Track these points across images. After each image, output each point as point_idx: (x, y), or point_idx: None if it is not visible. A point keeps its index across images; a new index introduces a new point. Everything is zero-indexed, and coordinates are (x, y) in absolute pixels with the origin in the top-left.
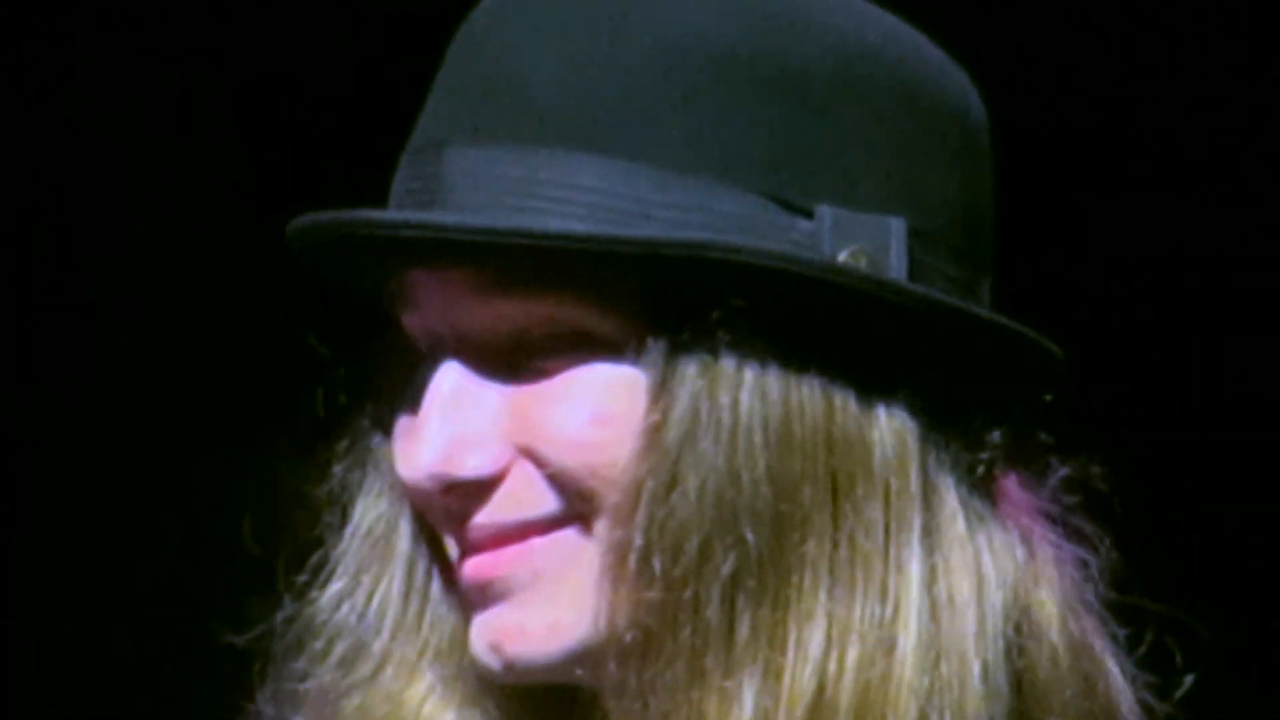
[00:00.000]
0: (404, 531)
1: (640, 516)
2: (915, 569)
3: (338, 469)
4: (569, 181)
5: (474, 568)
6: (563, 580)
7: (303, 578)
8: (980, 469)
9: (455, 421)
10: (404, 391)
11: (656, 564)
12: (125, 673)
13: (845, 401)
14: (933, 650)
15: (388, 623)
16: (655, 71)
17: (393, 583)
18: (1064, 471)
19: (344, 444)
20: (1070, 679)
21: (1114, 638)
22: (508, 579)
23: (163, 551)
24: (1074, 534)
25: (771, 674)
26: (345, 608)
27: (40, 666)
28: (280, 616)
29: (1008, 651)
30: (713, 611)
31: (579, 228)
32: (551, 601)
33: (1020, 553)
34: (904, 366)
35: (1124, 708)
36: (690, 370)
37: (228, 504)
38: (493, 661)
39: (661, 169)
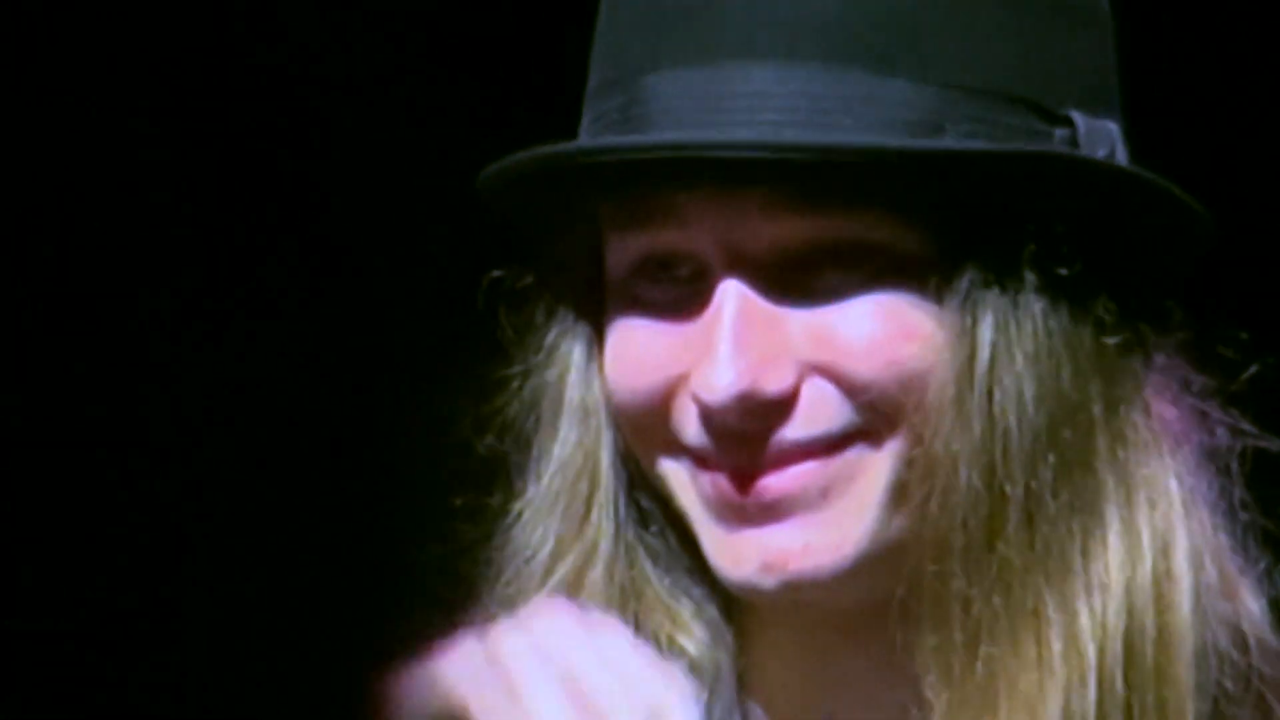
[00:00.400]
0: (605, 463)
1: (960, 425)
2: (1174, 486)
3: (526, 393)
4: (869, 98)
5: (759, 487)
6: (847, 496)
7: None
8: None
9: (751, 342)
10: (602, 316)
11: (981, 472)
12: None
13: (1112, 319)
14: (1198, 564)
15: (589, 564)
16: None
17: (594, 520)
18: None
19: (521, 372)
20: (1220, 604)
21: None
22: (796, 497)
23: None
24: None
25: (1092, 588)
26: (547, 544)
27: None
28: (490, 547)
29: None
30: (1044, 515)
31: (891, 142)
32: (836, 519)
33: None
34: (1143, 277)
35: (1269, 637)
36: (996, 289)
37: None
38: (765, 580)
39: (945, 87)
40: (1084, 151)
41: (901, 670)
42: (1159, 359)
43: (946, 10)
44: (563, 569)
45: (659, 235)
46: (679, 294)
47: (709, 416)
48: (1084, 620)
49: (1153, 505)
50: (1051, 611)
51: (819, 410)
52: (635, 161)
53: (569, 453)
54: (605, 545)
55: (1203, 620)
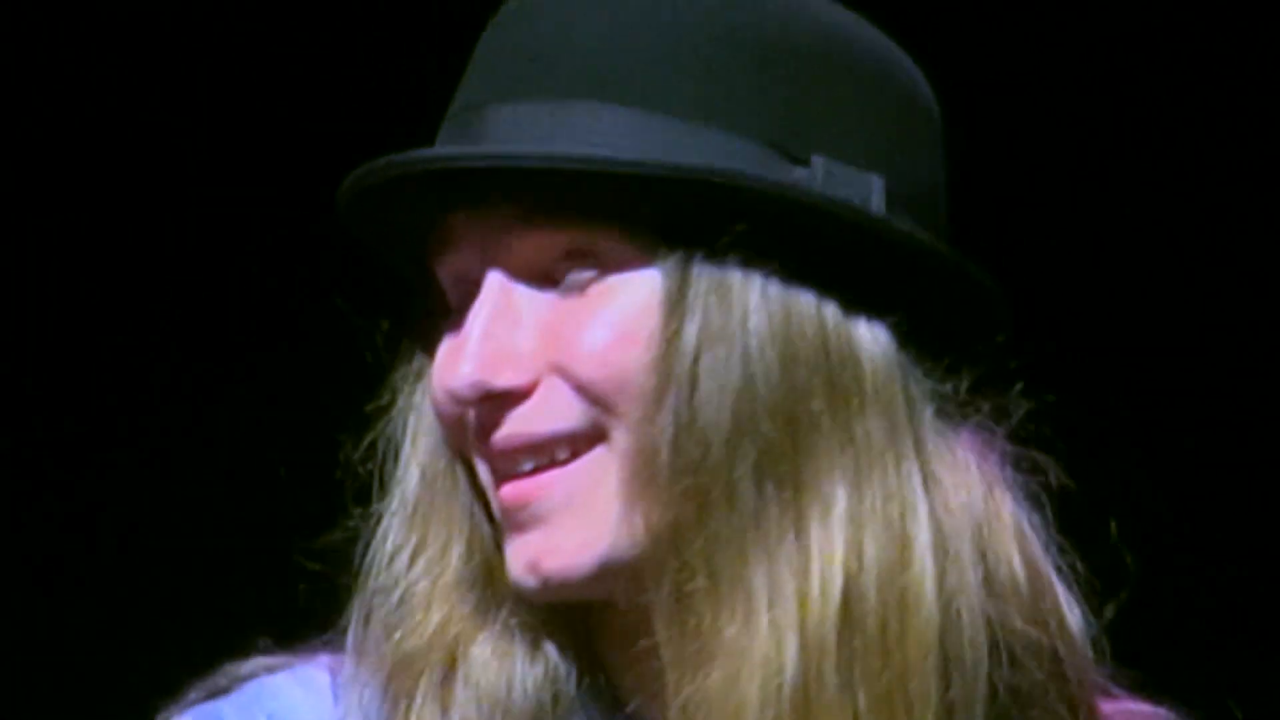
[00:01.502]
0: (447, 478)
1: (666, 419)
2: (915, 474)
3: (384, 424)
4: (597, 126)
5: (511, 492)
6: (591, 498)
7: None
8: (947, 400)
9: (493, 337)
10: (435, 340)
11: (684, 462)
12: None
13: (838, 320)
14: (943, 549)
15: (433, 565)
16: (673, 38)
17: (441, 529)
18: (1020, 409)
19: (385, 399)
20: (1028, 606)
21: (1059, 569)
22: (542, 502)
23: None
24: (1025, 467)
25: (801, 560)
26: (409, 545)
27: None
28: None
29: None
30: (745, 498)
31: (606, 153)
32: (582, 520)
33: (980, 485)
34: (885, 296)
35: (1076, 639)
36: (702, 286)
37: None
38: (529, 580)
39: (679, 118)
40: (819, 187)
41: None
42: (941, 375)
43: (692, 59)
44: (419, 561)
45: (451, 259)
46: (469, 310)
47: (450, 407)
48: (787, 586)
49: (890, 497)
50: (755, 579)
51: (553, 406)
52: (419, 183)
53: (425, 464)
54: (456, 542)
55: (953, 609)
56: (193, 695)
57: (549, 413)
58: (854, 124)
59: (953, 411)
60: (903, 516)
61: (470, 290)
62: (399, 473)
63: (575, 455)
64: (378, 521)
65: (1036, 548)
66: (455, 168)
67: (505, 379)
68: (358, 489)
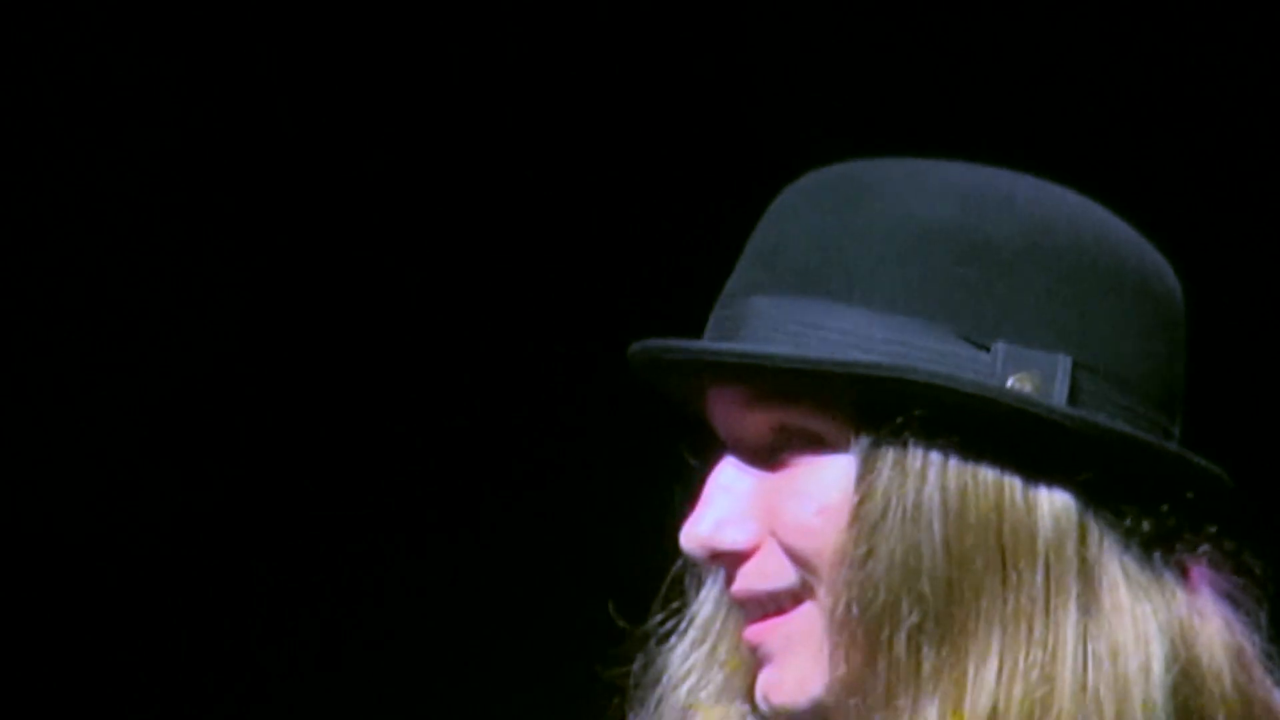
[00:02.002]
0: (725, 612)
1: (851, 583)
2: (1070, 625)
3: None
4: (808, 321)
5: (749, 633)
6: (805, 644)
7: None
8: (1150, 551)
9: (721, 504)
10: None
11: (862, 620)
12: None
13: (1012, 493)
14: (1094, 688)
15: (708, 678)
16: (878, 241)
17: (711, 647)
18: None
19: None
20: (1234, 709)
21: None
22: (770, 644)
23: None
24: (1239, 598)
25: (950, 702)
26: (686, 665)
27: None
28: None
29: (1175, 687)
30: (899, 651)
31: (813, 353)
32: (799, 662)
33: (1186, 610)
34: (1066, 469)
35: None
36: (885, 465)
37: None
38: (764, 707)
39: (880, 312)
40: (999, 371)
41: None
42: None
43: (895, 260)
44: (689, 689)
45: (710, 422)
46: None
47: (686, 556)
48: None
49: (1039, 647)
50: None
51: (768, 568)
52: (665, 362)
53: (709, 601)
54: (719, 671)
55: None
56: None
57: (767, 572)
58: (1040, 308)
59: (1161, 552)
60: (1050, 662)
61: (723, 447)
62: (696, 600)
63: (795, 604)
64: (659, 647)
65: (1248, 649)
66: (690, 360)
67: (728, 542)
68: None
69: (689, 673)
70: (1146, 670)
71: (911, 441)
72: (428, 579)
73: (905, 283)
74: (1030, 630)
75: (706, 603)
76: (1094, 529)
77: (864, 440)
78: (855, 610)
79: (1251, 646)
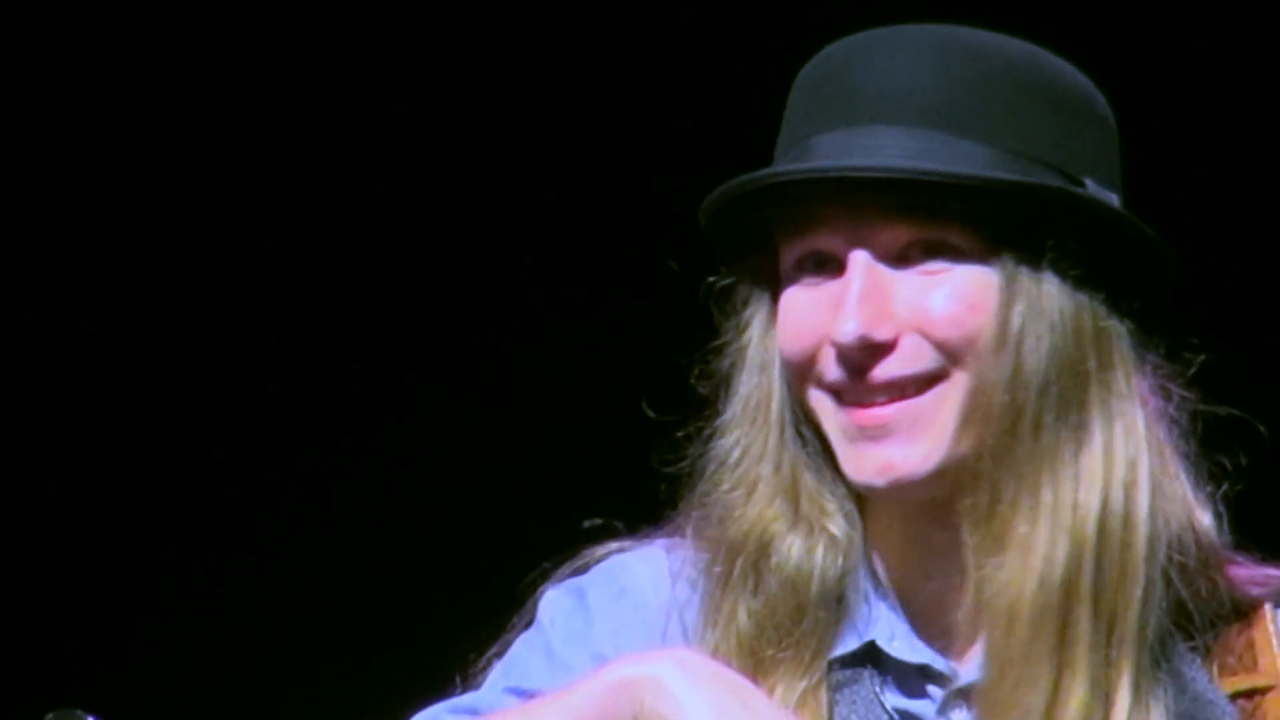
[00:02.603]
0: (776, 399)
1: (1002, 368)
2: (1140, 415)
3: (725, 355)
4: (948, 151)
5: (869, 417)
6: (933, 422)
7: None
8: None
9: (869, 304)
10: (770, 299)
11: (1011, 396)
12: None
13: (1105, 309)
14: (1153, 465)
15: (748, 475)
16: (998, 90)
17: (768, 437)
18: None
19: (724, 339)
20: (1183, 513)
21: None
22: (897, 423)
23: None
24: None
25: (1075, 477)
26: (735, 452)
27: None
28: (691, 454)
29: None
30: (1047, 428)
31: (962, 170)
32: (925, 438)
33: (1153, 414)
34: (1131, 287)
35: (1207, 524)
36: (1026, 279)
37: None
38: (880, 480)
39: (1004, 151)
40: (1098, 198)
41: (958, 532)
42: (1138, 346)
43: (1005, 103)
44: (743, 466)
45: (813, 240)
46: (824, 279)
47: (841, 354)
48: (1067, 498)
49: (1128, 434)
50: (1045, 490)
51: (912, 355)
52: (800, 181)
53: (750, 392)
54: (773, 453)
55: (1155, 514)
56: (562, 572)
57: (910, 359)
58: (1098, 151)
59: (1142, 364)
60: (1134, 447)
61: (827, 264)
62: (729, 400)
63: (920, 391)
64: (708, 438)
65: (1183, 469)
66: (868, 176)
67: (881, 333)
68: (698, 407)
69: (724, 466)
70: (1151, 450)
71: (1048, 258)
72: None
73: (1020, 128)
74: (1121, 421)
75: (749, 402)
76: (1136, 341)
77: (1007, 257)
78: (1007, 391)
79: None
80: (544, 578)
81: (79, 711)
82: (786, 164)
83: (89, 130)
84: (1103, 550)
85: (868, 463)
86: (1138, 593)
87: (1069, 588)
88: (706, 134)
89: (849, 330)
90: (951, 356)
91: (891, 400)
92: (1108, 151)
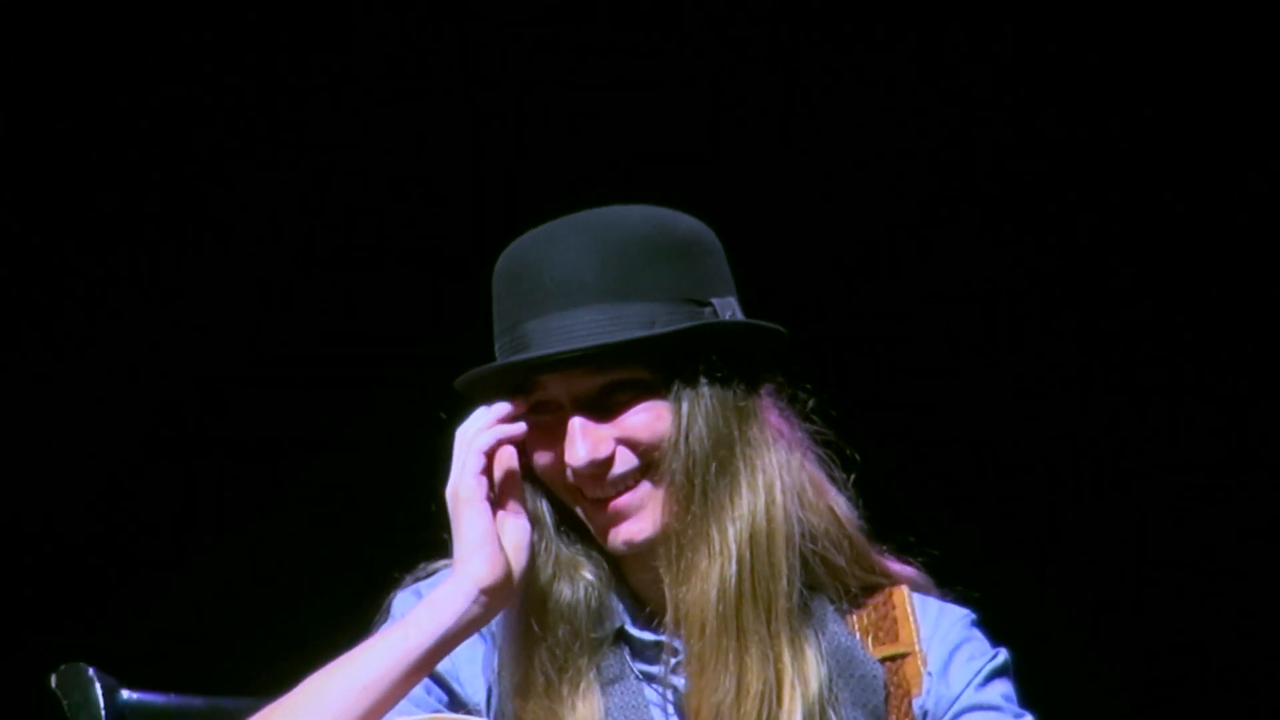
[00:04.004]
0: (545, 508)
1: (681, 456)
2: (769, 454)
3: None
4: (616, 317)
5: (612, 505)
6: (648, 504)
7: None
8: (771, 399)
9: (588, 435)
10: (535, 437)
11: (680, 476)
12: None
13: (745, 388)
14: (786, 491)
15: (549, 553)
16: (630, 261)
17: (545, 530)
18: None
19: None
20: (823, 510)
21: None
22: (628, 507)
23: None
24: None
25: (732, 512)
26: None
27: None
28: None
29: (798, 492)
30: (705, 490)
31: (634, 334)
32: (646, 515)
33: (796, 446)
34: (754, 356)
35: (853, 528)
36: (688, 389)
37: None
38: (624, 548)
39: (650, 301)
40: (723, 314)
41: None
42: (776, 403)
43: (644, 266)
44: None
45: (539, 394)
46: (554, 420)
47: (576, 471)
48: (730, 533)
49: (764, 471)
50: (714, 533)
51: (623, 461)
52: (525, 366)
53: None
54: (544, 542)
55: (789, 519)
56: (406, 579)
57: (623, 464)
58: (714, 273)
59: (790, 418)
60: (772, 485)
61: (549, 406)
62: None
63: (636, 484)
64: None
65: (823, 477)
66: (568, 356)
67: (600, 453)
68: None
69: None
70: (788, 475)
71: (699, 368)
72: None
73: (655, 279)
74: (758, 462)
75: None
76: (763, 394)
77: (667, 375)
78: (680, 473)
79: (819, 470)
80: (393, 584)
81: (83, 665)
82: (511, 354)
83: (89, 130)
84: (755, 561)
85: (615, 538)
86: (783, 582)
87: (739, 596)
88: None
89: (579, 456)
90: (647, 457)
91: (619, 494)
92: (719, 268)
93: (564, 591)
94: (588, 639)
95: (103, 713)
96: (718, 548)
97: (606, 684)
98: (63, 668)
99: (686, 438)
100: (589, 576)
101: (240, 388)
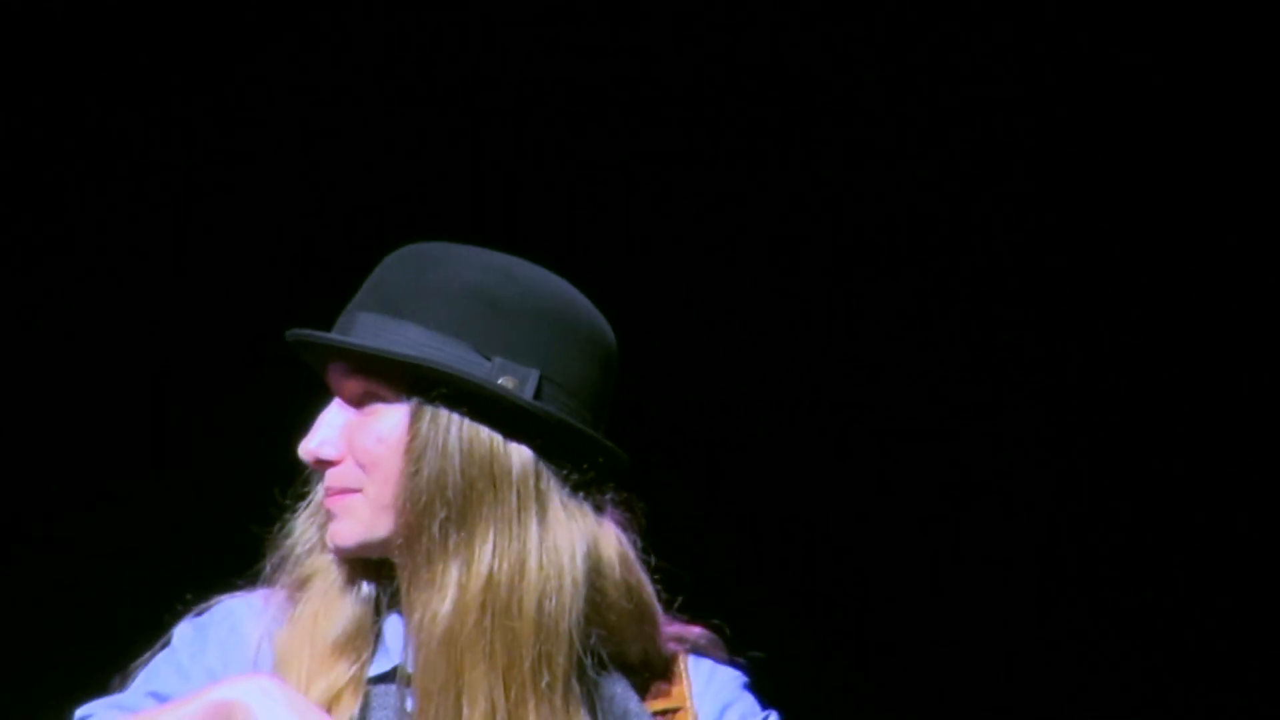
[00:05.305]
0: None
1: (401, 485)
2: (533, 528)
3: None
4: (387, 330)
5: (329, 501)
6: (358, 514)
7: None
8: (576, 491)
9: (323, 430)
10: None
11: (407, 507)
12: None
13: (498, 446)
14: (546, 567)
15: (307, 542)
16: (436, 290)
17: (314, 515)
18: (621, 497)
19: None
20: (621, 588)
21: (644, 563)
22: (336, 509)
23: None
24: (628, 525)
25: (465, 564)
26: (299, 524)
27: None
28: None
29: (588, 573)
30: (435, 532)
31: (386, 347)
32: (349, 521)
33: (597, 528)
34: (527, 434)
35: (652, 603)
36: (425, 419)
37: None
38: (331, 546)
39: (431, 330)
40: (494, 373)
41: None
42: (551, 473)
43: (445, 299)
44: (308, 533)
45: (326, 377)
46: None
47: (305, 459)
48: (456, 578)
49: (515, 539)
50: (438, 573)
51: (346, 472)
52: (290, 340)
53: (316, 490)
54: (318, 526)
55: (546, 596)
56: (192, 610)
57: (343, 474)
58: (526, 338)
59: (583, 495)
60: (523, 548)
61: (333, 396)
62: (312, 489)
63: (355, 491)
64: (293, 515)
65: (630, 554)
66: (317, 344)
67: (323, 454)
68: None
69: (303, 530)
70: (574, 558)
71: (441, 406)
72: None
73: (449, 316)
74: (510, 529)
75: (317, 491)
76: (545, 474)
77: (413, 402)
78: (406, 504)
79: (631, 550)
80: (181, 611)
81: None
82: (304, 330)
83: (88, 130)
84: (485, 619)
85: (327, 534)
86: (529, 654)
87: (452, 642)
88: None
89: (305, 446)
90: (370, 472)
91: (336, 494)
92: (533, 339)
93: (335, 583)
94: (354, 642)
95: None
96: (437, 586)
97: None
98: None
99: (415, 473)
100: (368, 579)
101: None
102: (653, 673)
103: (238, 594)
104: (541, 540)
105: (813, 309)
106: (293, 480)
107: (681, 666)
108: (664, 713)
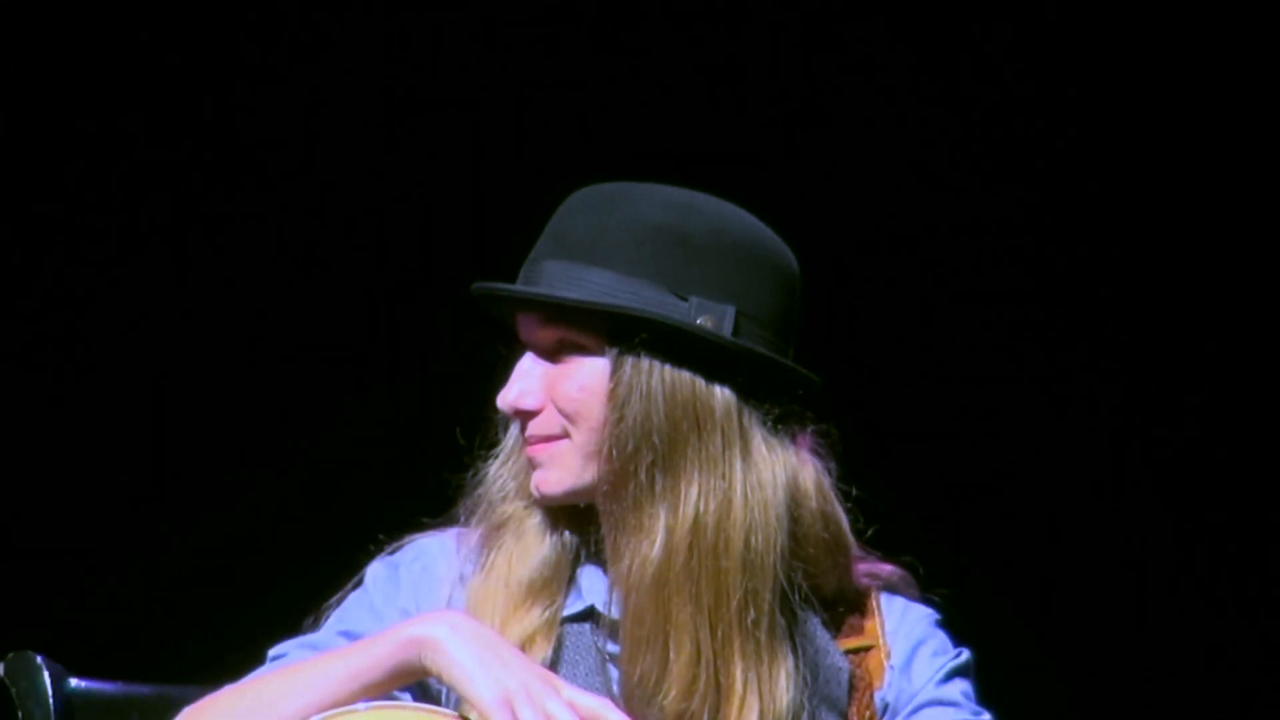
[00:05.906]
0: (514, 433)
1: (605, 433)
2: (737, 466)
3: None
4: (583, 278)
5: (532, 450)
6: (562, 460)
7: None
8: (777, 425)
9: (522, 380)
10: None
11: (613, 454)
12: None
13: (699, 387)
14: (751, 504)
15: (506, 485)
16: (624, 232)
17: (516, 459)
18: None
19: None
20: (818, 518)
21: (844, 505)
22: (540, 458)
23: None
24: (824, 452)
25: (672, 507)
26: (495, 467)
27: None
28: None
29: (789, 506)
30: (641, 477)
31: (585, 296)
32: (556, 470)
33: (795, 459)
34: (728, 371)
35: (846, 533)
36: (628, 366)
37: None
38: (536, 495)
39: (623, 275)
40: (692, 314)
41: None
42: (752, 411)
43: (634, 240)
44: (503, 479)
45: (518, 330)
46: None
47: (505, 411)
48: (664, 521)
49: (723, 478)
50: (646, 517)
51: (548, 420)
52: (484, 294)
53: (511, 437)
54: (520, 470)
55: (752, 536)
56: (385, 549)
57: (546, 424)
58: (717, 276)
59: (782, 427)
60: (728, 487)
61: (524, 346)
62: (503, 437)
63: (559, 439)
64: (485, 462)
65: (826, 482)
66: (510, 297)
67: (525, 404)
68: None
69: (496, 476)
70: (776, 492)
71: (642, 353)
72: None
73: (639, 258)
74: (715, 469)
75: (510, 438)
76: (746, 410)
77: (614, 350)
78: (613, 450)
79: (827, 479)
80: (374, 551)
81: (30, 653)
82: (494, 283)
83: (88, 130)
84: (693, 560)
85: (532, 483)
86: (736, 592)
87: (661, 585)
88: None
89: (505, 398)
90: (572, 422)
91: (538, 443)
92: (737, 278)
93: (533, 528)
94: (549, 586)
95: (50, 701)
96: (645, 530)
97: (563, 655)
98: (10, 656)
99: (620, 420)
100: (568, 526)
101: (190, 382)
102: (847, 607)
103: (430, 533)
104: (745, 477)
105: (812, 309)
106: (478, 427)
107: (874, 603)
108: (856, 651)
